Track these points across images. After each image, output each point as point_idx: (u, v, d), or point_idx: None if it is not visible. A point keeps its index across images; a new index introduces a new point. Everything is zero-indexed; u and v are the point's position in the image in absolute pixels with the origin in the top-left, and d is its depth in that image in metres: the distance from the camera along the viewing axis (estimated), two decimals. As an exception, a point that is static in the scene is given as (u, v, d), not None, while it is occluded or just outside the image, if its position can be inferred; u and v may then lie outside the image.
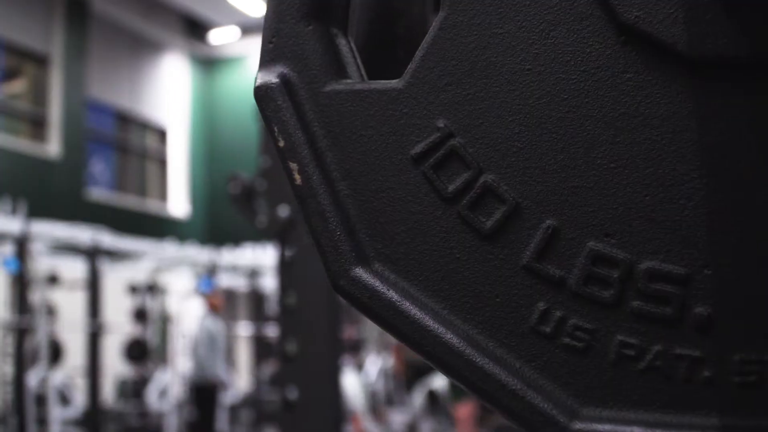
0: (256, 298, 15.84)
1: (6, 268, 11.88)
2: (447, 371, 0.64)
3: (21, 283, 11.20)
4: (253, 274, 15.92)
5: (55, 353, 13.05)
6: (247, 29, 23.47)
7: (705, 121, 0.62)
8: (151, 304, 15.63)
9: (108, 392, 15.07)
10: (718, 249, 0.61)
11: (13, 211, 13.49)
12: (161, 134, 23.03)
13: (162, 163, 22.95)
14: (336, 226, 0.67)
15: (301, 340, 3.07)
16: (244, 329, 17.38)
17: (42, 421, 11.72)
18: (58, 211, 16.78)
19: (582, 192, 0.63)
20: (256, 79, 0.71)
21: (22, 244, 11.23)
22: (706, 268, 0.61)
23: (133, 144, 22.02)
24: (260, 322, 15.55)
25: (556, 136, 0.63)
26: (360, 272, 0.66)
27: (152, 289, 15.61)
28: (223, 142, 23.94)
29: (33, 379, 11.55)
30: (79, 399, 13.24)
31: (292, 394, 3.04)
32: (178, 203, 22.96)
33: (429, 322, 0.64)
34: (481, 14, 0.66)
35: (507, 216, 0.64)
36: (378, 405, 13.90)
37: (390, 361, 15.10)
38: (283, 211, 3.11)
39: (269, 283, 16.47)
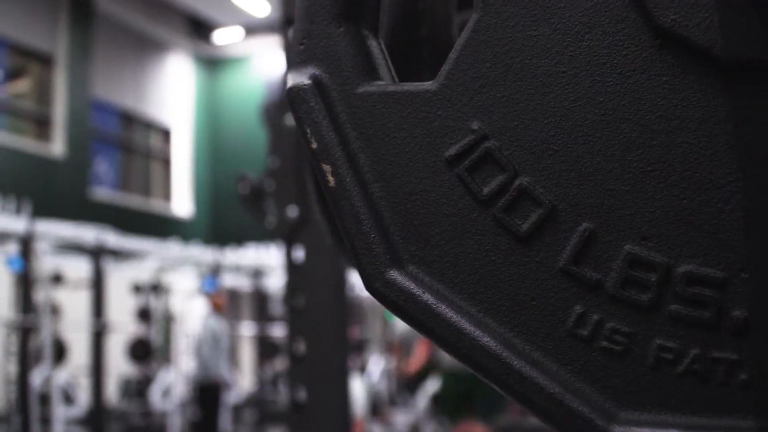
0: (260, 298, 15.85)
1: (10, 268, 11.90)
2: (483, 374, 0.64)
3: (25, 282, 11.22)
4: (257, 274, 15.92)
5: (59, 352, 13.06)
6: (251, 29, 23.50)
7: (741, 124, 0.61)
8: (155, 303, 15.64)
9: (111, 391, 15.08)
10: (754, 252, 0.61)
11: (18, 211, 13.51)
12: (165, 134, 23.05)
13: (166, 162, 22.97)
14: (370, 228, 0.66)
15: (310, 341, 3.07)
16: (247, 329, 17.40)
17: (45, 420, 11.73)
18: (62, 210, 16.81)
19: (619, 195, 0.63)
20: (287, 80, 0.71)
21: (26, 244, 11.24)
22: (743, 271, 0.61)
23: (137, 144, 22.04)
24: (264, 322, 15.56)
25: (592, 138, 0.63)
26: (395, 275, 0.66)
27: (156, 288, 15.63)
28: (227, 142, 23.96)
29: (37, 378, 11.56)
30: (83, 398, 13.24)
31: (301, 394, 3.04)
32: (182, 203, 22.98)
33: (465, 324, 0.64)
34: (515, 16, 0.66)
35: (543, 219, 0.64)
36: (381, 406, 13.89)
37: (393, 361, 15.10)
38: (292, 211, 3.11)
39: (273, 283, 16.49)
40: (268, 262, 16.50)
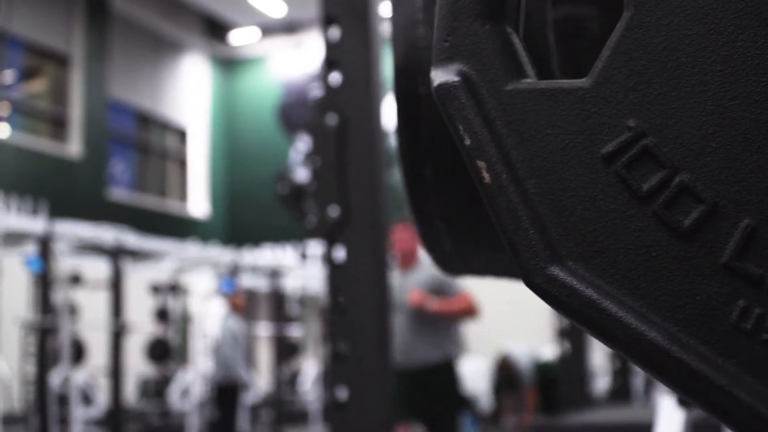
0: (277, 298, 15.87)
1: (29, 268, 11.94)
2: (651, 369, 0.65)
3: (44, 282, 11.26)
4: (274, 274, 15.94)
5: (78, 353, 13.12)
6: (267, 30, 23.52)
7: None
8: (173, 304, 15.67)
9: (130, 392, 15.11)
10: None
11: (34, 211, 13.55)
12: (181, 134, 23.10)
13: (182, 163, 23.01)
14: (528, 225, 0.67)
15: (351, 341, 3.08)
16: (264, 329, 17.42)
17: (64, 421, 11.78)
18: (79, 211, 16.84)
19: None
20: (433, 78, 0.72)
21: (45, 244, 11.28)
22: None
23: (153, 144, 22.09)
24: (281, 323, 15.57)
25: (750, 136, 0.64)
26: (556, 270, 0.67)
27: (174, 289, 15.66)
28: (243, 142, 23.99)
29: (55, 378, 11.61)
30: (101, 399, 13.29)
31: (342, 394, 3.05)
32: (198, 203, 23.02)
33: (630, 319, 0.64)
34: (669, 15, 0.66)
35: (705, 215, 0.64)
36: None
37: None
38: (333, 211, 3.12)
39: (290, 283, 16.51)
40: (285, 263, 16.53)
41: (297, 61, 23.35)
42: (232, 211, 23.59)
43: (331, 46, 3.18)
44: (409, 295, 6.99)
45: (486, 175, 0.68)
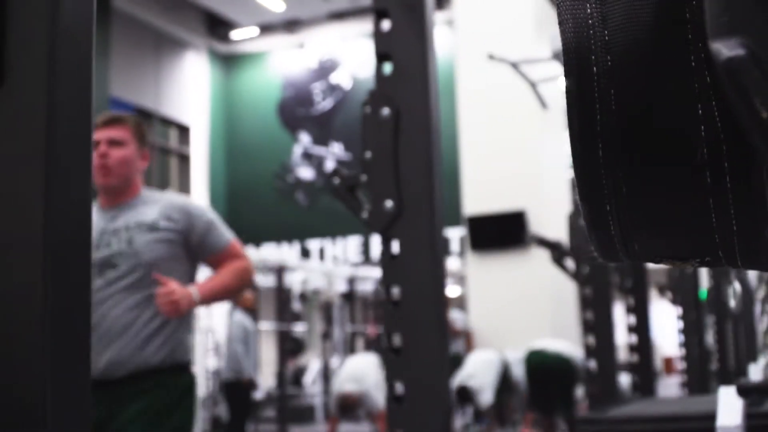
0: (280, 294, 15.85)
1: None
2: None
3: (49, 280, 11.19)
4: (277, 270, 15.93)
5: (83, 350, 13.02)
6: (267, 27, 23.50)
7: None
8: (178, 301, 15.61)
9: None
10: None
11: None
12: (182, 132, 23.07)
13: (183, 160, 22.99)
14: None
15: (407, 335, 3.07)
16: (267, 326, 17.41)
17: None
18: (81, 208, 16.77)
19: None
20: (716, 51, 0.71)
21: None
22: None
23: (154, 141, 22.05)
24: (285, 320, 15.55)
25: None
26: None
27: (180, 285, 15.60)
28: (243, 139, 23.97)
29: (63, 376, 11.54)
30: (107, 396, 13.20)
31: (399, 387, 3.04)
32: (199, 200, 22.98)
33: None
34: None
35: None
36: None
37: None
38: (388, 204, 3.11)
39: (291, 279, 16.50)
40: (287, 259, 16.52)
41: (297, 57, 23.36)
42: (233, 207, 23.56)
43: (382, 39, 3.17)
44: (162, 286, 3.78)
45: (786, 149, 0.68)
